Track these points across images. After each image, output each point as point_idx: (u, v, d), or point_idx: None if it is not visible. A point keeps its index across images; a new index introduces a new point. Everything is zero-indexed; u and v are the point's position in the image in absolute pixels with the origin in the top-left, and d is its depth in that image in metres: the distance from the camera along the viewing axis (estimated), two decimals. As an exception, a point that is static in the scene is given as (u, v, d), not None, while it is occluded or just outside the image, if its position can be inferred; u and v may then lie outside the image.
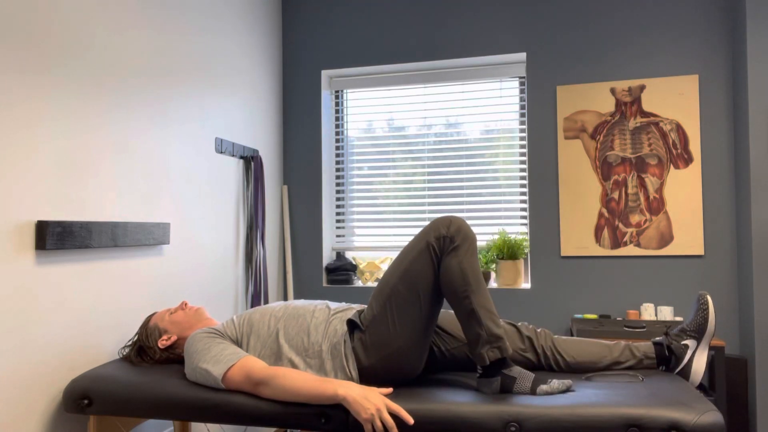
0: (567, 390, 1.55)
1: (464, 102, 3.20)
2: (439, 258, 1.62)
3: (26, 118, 1.64)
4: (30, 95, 1.66)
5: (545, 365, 1.80)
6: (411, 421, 1.46)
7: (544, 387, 1.54)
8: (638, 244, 2.82)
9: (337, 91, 3.41)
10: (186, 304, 1.97)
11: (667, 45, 2.83)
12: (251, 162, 2.92)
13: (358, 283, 3.26)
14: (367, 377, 1.66)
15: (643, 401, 1.44)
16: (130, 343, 2.00)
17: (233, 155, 2.77)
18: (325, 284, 3.26)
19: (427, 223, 3.21)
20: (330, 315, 1.74)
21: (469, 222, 3.16)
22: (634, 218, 2.83)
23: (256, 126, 3.02)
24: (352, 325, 1.70)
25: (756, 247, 2.54)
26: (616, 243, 2.85)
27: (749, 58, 2.58)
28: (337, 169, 3.39)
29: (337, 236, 3.39)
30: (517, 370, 1.57)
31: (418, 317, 1.63)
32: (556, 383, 1.54)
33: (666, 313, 2.66)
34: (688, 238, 2.77)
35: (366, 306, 1.81)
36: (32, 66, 1.66)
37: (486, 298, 1.59)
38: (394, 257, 3.25)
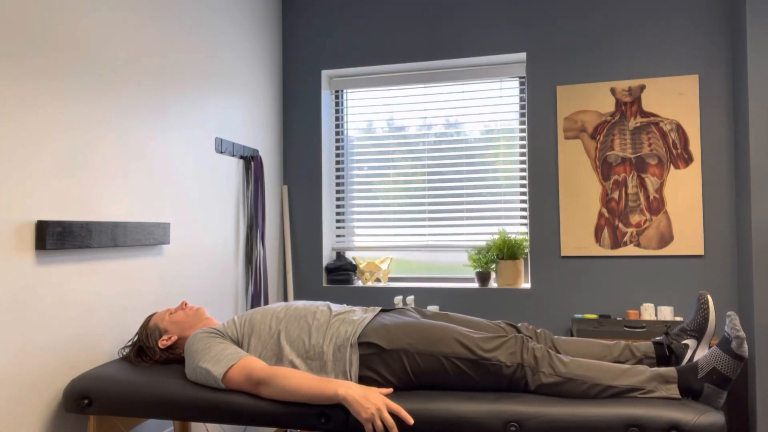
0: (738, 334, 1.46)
1: (464, 102, 3.20)
2: (527, 384, 1.57)
3: (26, 119, 1.64)
4: (29, 96, 1.65)
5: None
6: (411, 421, 1.46)
7: (735, 344, 1.44)
8: (638, 244, 2.82)
9: (337, 91, 3.41)
10: (186, 304, 1.97)
11: (667, 45, 2.83)
12: (251, 162, 2.92)
13: (358, 283, 3.26)
14: (367, 381, 1.66)
15: (643, 401, 1.44)
16: (130, 343, 2.00)
17: (233, 155, 2.77)
18: (325, 284, 3.26)
19: (427, 222, 3.21)
20: (331, 317, 1.74)
21: (469, 222, 3.17)
22: (634, 218, 2.83)
23: (256, 126, 3.02)
24: (370, 345, 1.66)
25: (756, 247, 2.54)
26: (616, 243, 2.85)
27: (749, 58, 2.58)
28: (337, 169, 3.39)
29: (337, 236, 3.39)
30: (704, 360, 1.49)
31: (448, 375, 1.62)
32: (730, 330, 1.46)
33: (666, 313, 2.66)
34: (688, 238, 2.77)
35: (373, 309, 1.82)
36: (32, 68, 1.66)
37: (604, 370, 1.54)
38: (395, 257, 3.25)
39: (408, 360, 1.62)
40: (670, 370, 1.53)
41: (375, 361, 1.63)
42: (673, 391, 1.50)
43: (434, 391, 1.59)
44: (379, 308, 1.86)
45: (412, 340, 1.63)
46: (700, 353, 1.70)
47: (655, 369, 1.56)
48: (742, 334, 1.44)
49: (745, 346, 1.44)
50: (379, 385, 1.64)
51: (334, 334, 1.68)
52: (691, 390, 1.49)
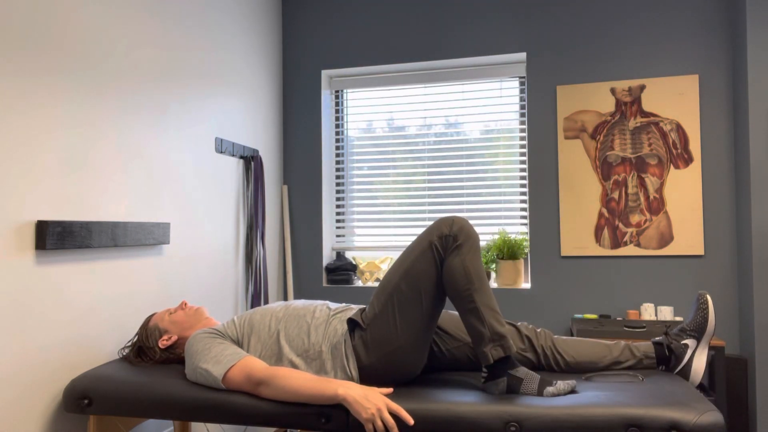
0: (572, 391, 1.55)
1: (464, 102, 3.20)
2: (442, 257, 1.63)
3: (26, 119, 1.64)
4: (29, 95, 1.66)
5: (545, 365, 1.80)
6: (411, 421, 1.46)
7: (550, 389, 1.53)
8: (638, 244, 2.82)
9: (337, 91, 3.41)
10: (186, 304, 1.97)
11: (667, 45, 2.83)
12: (251, 162, 2.92)
13: (358, 283, 3.26)
14: (367, 376, 1.66)
15: (643, 401, 1.44)
16: (129, 343, 2.00)
17: (233, 155, 2.77)
18: (325, 284, 3.26)
19: (428, 223, 3.21)
20: (330, 315, 1.75)
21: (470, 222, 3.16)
22: (634, 218, 2.83)
23: (256, 126, 3.02)
24: (353, 323, 1.70)
25: (756, 247, 2.54)
26: (616, 243, 2.85)
27: (749, 58, 2.58)
28: (337, 169, 3.39)
29: (337, 236, 3.39)
30: (523, 371, 1.57)
31: (419, 316, 1.63)
32: (561, 384, 1.54)
33: (666, 313, 2.66)
34: (688, 238, 2.77)
35: (367, 305, 1.82)
36: (32, 66, 1.66)
37: (489, 296, 1.59)
38: (395, 257, 3.26)
39: (381, 322, 1.64)
40: (515, 347, 1.68)
41: (363, 346, 1.65)
42: (491, 351, 1.56)
43: (434, 391, 1.59)
44: None
45: (374, 302, 1.68)
46: (699, 353, 1.70)
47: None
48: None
49: (554, 397, 1.52)
50: (377, 373, 1.64)
51: (331, 332, 1.69)
52: (496, 369, 1.57)
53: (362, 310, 1.74)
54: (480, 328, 1.57)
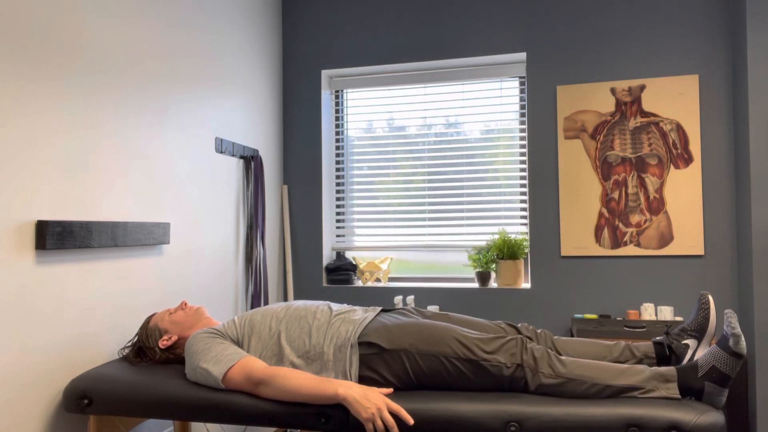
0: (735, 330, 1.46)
1: (464, 102, 3.20)
2: (526, 384, 1.57)
3: (26, 119, 1.64)
4: (30, 96, 1.65)
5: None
6: (411, 421, 1.46)
7: (732, 342, 1.43)
8: (638, 244, 2.82)
9: (337, 91, 3.41)
10: (186, 304, 1.97)
11: (667, 45, 2.83)
12: (251, 162, 2.92)
13: (358, 283, 3.25)
14: (367, 381, 1.66)
15: (643, 401, 1.44)
16: (129, 343, 2.00)
17: (233, 155, 2.77)
18: (325, 284, 3.26)
19: (428, 222, 3.21)
20: (332, 316, 1.74)
21: (469, 222, 3.17)
22: (634, 218, 2.83)
23: (256, 126, 3.02)
24: (371, 345, 1.66)
25: (756, 247, 2.54)
26: (616, 243, 2.85)
27: (749, 58, 2.58)
28: (337, 169, 3.39)
29: (337, 236, 3.39)
30: (703, 359, 1.48)
31: (444, 375, 1.62)
32: (728, 329, 1.45)
33: (666, 313, 2.66)
34: (688, 238, 2.77)
35: (374, 309, 1.82)
36: (33, 68, 1.66)
37: (602, 369, 1.54)
38: (395, 257, 3.25)
39: (408, 360, 1.61)
40: (669, 370, 1.53)
41: (375, 361, 1.63)
42: (673, 390, 1.50)
43: (434, 391, 1.59)
44: (380, 308, 1.86)
45: (412, 340, 1.63)
46: (700, 353, 1.70)
47: (655, 368, 1.56)
48: (738, 331, 1.45)
49: (743, 343, 1.44)
50: (379, 385, 1.64)
51: (334, 334, 1.68)
52: (691, 389, 1.49)
53: (376, 314, 1.73)
54: (638, 395, 1.51)
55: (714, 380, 1.46)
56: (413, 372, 1.61)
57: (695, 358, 1.69)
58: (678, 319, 2.72)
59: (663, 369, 1.53)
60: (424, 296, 3.09)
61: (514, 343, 1.59)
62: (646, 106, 2.84)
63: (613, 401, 1.45)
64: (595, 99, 2.89)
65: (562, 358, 1.58)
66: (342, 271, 3.22)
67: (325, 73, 3.31)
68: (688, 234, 2.77)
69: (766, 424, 2.51)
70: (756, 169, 2.56)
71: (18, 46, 1.62)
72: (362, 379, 1.64)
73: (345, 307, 1.81)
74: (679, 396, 1.49)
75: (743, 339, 1.44)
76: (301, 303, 1.83)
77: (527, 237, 3.04)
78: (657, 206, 2.81)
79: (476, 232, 3.16)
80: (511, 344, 1.59)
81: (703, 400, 1.48)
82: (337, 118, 3.41)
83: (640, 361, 1.76)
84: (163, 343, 1.87)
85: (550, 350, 1.60)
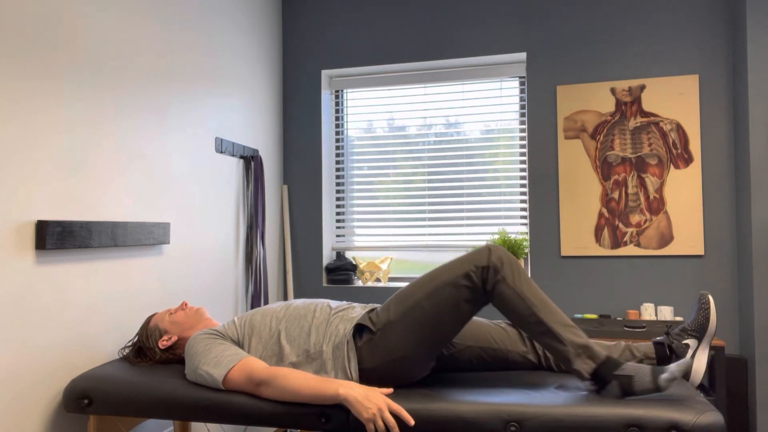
0: (687, 369, 1.47)
1: (464, 102, 3.20)
2: (482, 290, 1.59)
3: (26, 118, 1.64)
4: (29, 95, 1.65)
5: (546, 366, 1.81)
6: (412, 421, 1.46)
7: (665, 376, 1.45)
8: (638, 244, 2.82)
9: (337, 91, 3.41)
10: (186, 305, 1.96)
11: (667, 45, 2.83)
12: (251, 162, 2.92)
13: (358, 283, 3.26)
14: (368, 378, 1.66)
15: (643, 401, 1.44)
16: (130, 343, 2.00)
17: (233, 155, 2.77)
18: (325, 284, 3.26)
19: (428, 222, 3.21)
20: (331, 314, 1.74)
21: (469, 222, 3.17)
22: (634, 218, 2.83)
23: (256, 126, 3.02)
24: (361, 325, 1.69)
25: (756, 247, 2.54)
26: (616, 243, 2.85)
27: (749, 58, 2.58)
28: (337, 169, 3.39)
29: (337, 236, 3.39)
30: (630, 367, 1.50)
31: (434, 336, 1.61)
32: (674, 368, 1.46)
33: (666, 313, 2.66)
34: (688, 238, 2.77)
35: (372, 305, 1.82)
36: (32, 67, 1.66)
37: (556, 312, 1.56)
38: (395, 257, 3.26)
39: (396, 330, 1.62)
40: (604, 351, 1.56)
41: (370, 351, 1.63)
42: (585, 367, 1.51)
43: (434, 391, 1.59)
44: (379, 305, 1.86)
45: (391, 310, 1.65)
46: (700, 353, 1.70)
47: (608, 345, 1.66)
48: (678, 375, 1.45)
49: (670, 385, 1.44)
50: (378, 376, 1.64)
51: (333, 332, 1.68)
52: (602, 378, 1.51)
53: (370, 311, 1.73)
54: (560, 347, 1.52)
55: (622, 386, 1.48)
56: (402, 343, 1.61)
57: (695, 357, 1.69)
58: (678, 319, 2.72)
59: (601, 350, 1.55)
60: (424, 296, 3.09)
61: (483, 251, 1.61)
62: (646, 106, 2.84)
63: (613, 401, 1.45)
64: (595, 99, 2.89)
65: (531, 280, 1.60)
66: (342, 271, 3.22)
67: (325, 73, 3.31)
68: (688, 234, 2.77)
69: (766, 424, 2.51)
70: (756, 169, 2.56)
71: (17, 44, 1.62)
72: (362, 372, 1.64)
73: (344, 304, 1.81)
74: (586, 376, 1.51)
75: (675, 383, 1.46)
76: (300, 302, 1.82)
77: (527, 237, 3.04)
78: (657, 206, 2.81)
79: (476, 232, 3.16)
80: (479, 253, 1.61)
81: (601, 392, 1.51)
82: (337, 118, 3.41)
83: (640, 362, 1.76)
84: (162, 343, 1.87)
85: (520, 264, 1.62)
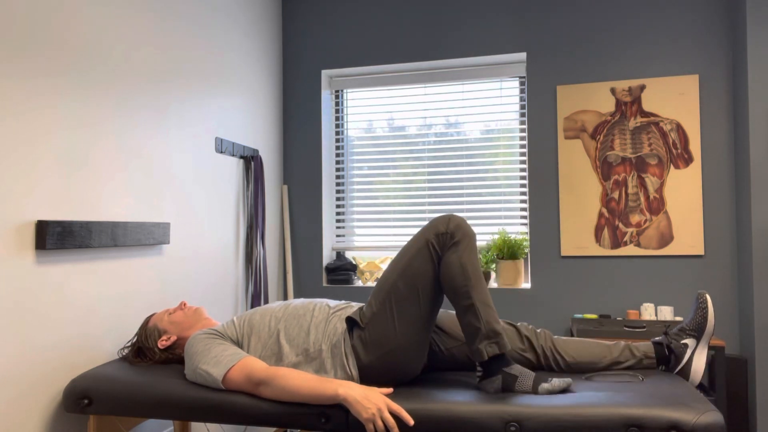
0: (567, 388, 1.55)
1: (464, 102, 3.20)
2: (439, 255, 1.63)
3: (27, 119, 1.64)
4: (29, 94, 1.66)
5: (545, 365, 1.80)
6: (411, 421, 1.46)
7: (545, 385, 1.54)
8: (638, 244, 2.82)
9: (337, 91, 3.41)
10: (185, 305, 1.97)
11: (667, 45, 2.83)
12: (251, 162, 2.92)
13: (358, 283, 3.26)
14: (367, 376, 1.66)
15: (643, 401, 1.44)
16: (129, 344, 2.00)
17: (233, 155, 2.77)
18: (325, 284, 3.26)
19: (427, 222, 3.21)
20: (330, 313, 1.74)
21: (469, 222, 3.16)
22: (634, 218, 2.83)
23: (256, 126, 3.02)
24: (351, 322, 1.70)
25: (756, 247, 2.54)
26: (616, 243, 2.85)
27: (749, 58, 2.58)
28: (337, 169, 3.39)
29: (337, 236, 3.39)
30: (518, 369, 1.57)
31: (417, 314, 1.63)
32: (557, 381, 1.54)
33: (666, 313, 2.66)
34: (688, 238, 2.77)
35: (365, 304, 1.82)
36: (32, 66, 1.66)
37: (485, 294, 1.60)
38: (395, 257, 3.25)
39: (381, 318, 1.64)
40: (509, 346, 1.62)
41: (362, 345, 1.64)
42: (486, 348, 1.56)
43: (434, 391, 1.59)
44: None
45: (372, 301, 1.68)
46: (699, 352, 1.70)
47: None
48: (555, 389, 1.54)
49: (549, 394, 1.53)
50: (377, 372, 1.64)
51: (331, 331, 1.69)
52: (488, 370, 1.58)
53: (361, 308, 1.73)
54: (476, 324, 1.57)
55: (504, 382, 1.56)
56: (390, 332, 1.62)
57: (694, 357, 1.70)
58: (678, 319, 2.72)
59: (507, 342, 1.59)
60: (424, 296, 3.09)
61: (443, 219, 1.66)
62: (646, 106, 2.84)
63: (613, 401, 1.45)
64: (595, 99, 2.89)
65: (476, 257, 1.64)
66: (342, 271, 3.22)
67: (325, 73, 3.31)
68: (688, 234, 2.77)
69: (766, 424, 2.51)
70: (756, 169, 2.56)
71: (16, 43, 1.62)
72: (361, 369, 1.65)
73: (343, 303, 1.81)
74: (484, 358, 1.56)
75: (547, 392, 1.54)
76: (299, 301, 1.83)
77: (527, 237, 3.04)
78: (657, 206, 2.81)
79: (476, 232, 3.15)
80: (439, 220, 1.66)
81: (482, 381, 1.58)
82: (337, 118, 3.41)
83: (639, 361, 1.77)
84: (162, 343, 1.87)
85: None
